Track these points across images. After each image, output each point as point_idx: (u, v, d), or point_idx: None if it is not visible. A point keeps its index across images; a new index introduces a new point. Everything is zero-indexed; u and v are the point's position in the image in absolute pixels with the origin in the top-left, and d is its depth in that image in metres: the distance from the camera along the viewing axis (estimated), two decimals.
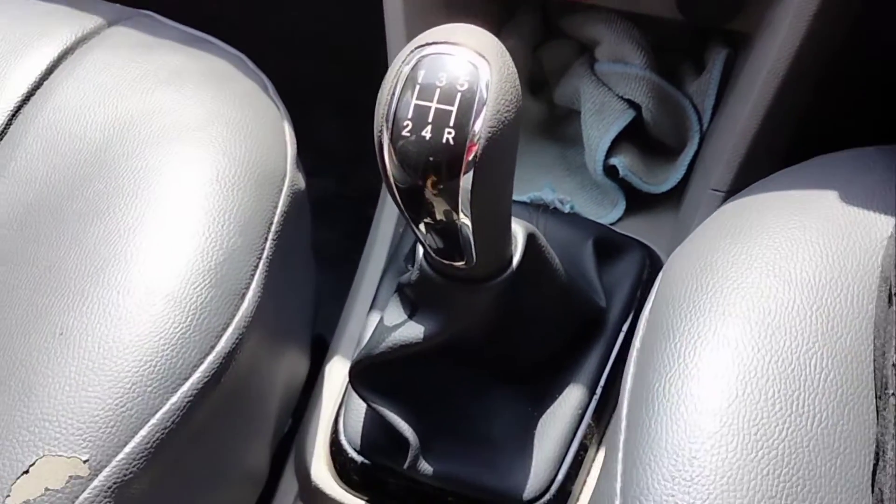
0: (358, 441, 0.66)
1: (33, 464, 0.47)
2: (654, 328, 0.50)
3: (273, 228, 0.60)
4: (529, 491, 0.62)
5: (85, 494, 0.47)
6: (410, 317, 0.58)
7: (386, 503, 0.67)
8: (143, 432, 0.49)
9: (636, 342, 0.51)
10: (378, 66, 0.79)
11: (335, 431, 0.68)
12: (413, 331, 0.57)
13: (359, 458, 0.66)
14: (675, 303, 0.50)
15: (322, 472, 0.68)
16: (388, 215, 0.78)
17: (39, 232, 0.57)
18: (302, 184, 0.67)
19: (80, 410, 0.49)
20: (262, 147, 0.64)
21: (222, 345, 0.54)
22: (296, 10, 1.02)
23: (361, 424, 0.66)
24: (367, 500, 0.67)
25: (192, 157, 0.60)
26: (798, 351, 0.45)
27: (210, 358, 0.53)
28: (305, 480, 0.69)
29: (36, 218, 0.59)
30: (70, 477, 0.47)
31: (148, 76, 0.66)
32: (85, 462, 0.48)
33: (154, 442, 0.49)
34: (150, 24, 0.73)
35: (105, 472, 0.48)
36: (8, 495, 0.47)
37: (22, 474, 0.47)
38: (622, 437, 0.47)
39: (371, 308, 0.73)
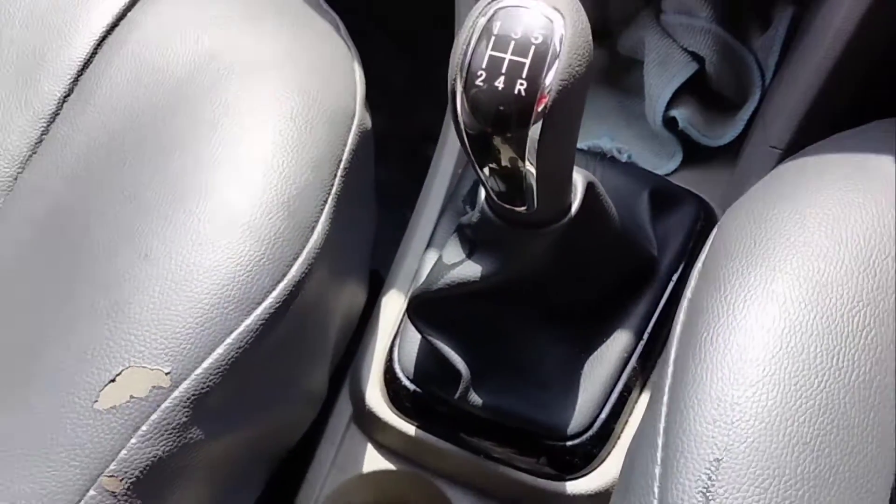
0: (411, 370, 0.70)
1: (120, 373, 0.52)
2: (706, 279, 0.52)
3: (342, 166, 0.63)
4: (573, 427, 0.65)
5: (166, 403, 0.52)
6: (469, 256, 0.61)
7: (435, 430, 0.70)
8: (219, 350, 0.53)
9: (687, 292, 0.53)
10: (443, 5, 0.80)
11: (389, 360, 0.72)
12: (470, 270, 0.60)
13: (411, 387, 0.70)
14: (728, 256, 0.52)
15: (375, 398, 0.72)
16: (448, 155, 0.81)
17: (125, 159, 0.61)
18: (369, 123, 0.69)
19: (164, 328, 0.52)
20: (334, 86, 0.66)
21: (293, 273, 0.57)
22: None
23: (415, 355, 0.70)
24: (417, 426, 0.71)
25: (268, 94, 0.63)
26: (843, 308, 0.47)
27: (281, 285, 0.56)
28: (360, 404, 0.73)
29: (121, 145, 0.62)
30: (153, 387, 0.51)
31: (225, 13, 0.69)
32: (167, 374, 0.52)
33: (229, 359, 0.53)
34: None
35: (184, 385, 0.52)
36: (96, 400, 0.51)
37: (109, 382, 0.52)
38: (668, 382, 0.49)
39: (428, 246, 0.76)
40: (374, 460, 0.74)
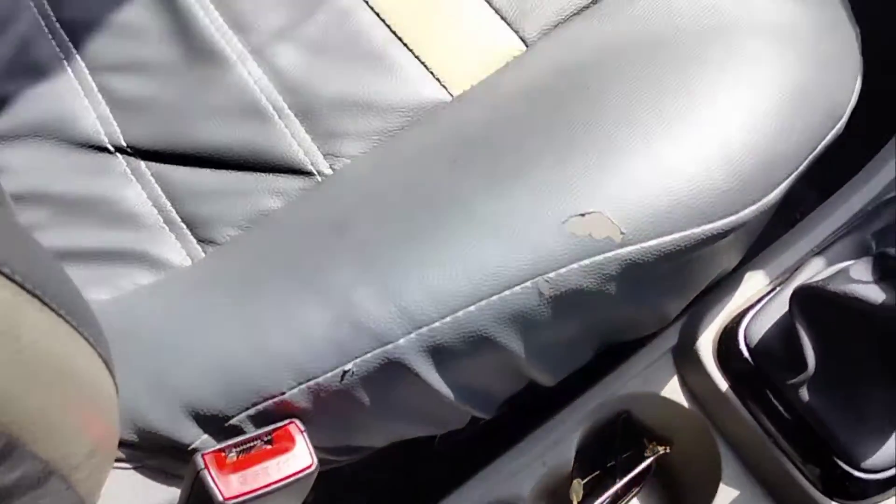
0: (754, 340, 0.77)
1: (590, 213, 0.63)
2: None
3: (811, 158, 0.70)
4: (869, 463, 0.71)
5: (608, 254, 0.63)
6: (876, 282, 0.67)
7: (741, 394, 0.78)
8: (667, 238, 0.63)
9: None
10: None
11: (736, 323, 0.79)
12: (873, 294, 0.66)
13: (745, 353, 0.78)
14: None
15: (705, 343, 0.81)
16: (885, 172, 0.83)
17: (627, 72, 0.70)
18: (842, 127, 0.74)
19: (641, 201, 0.63)
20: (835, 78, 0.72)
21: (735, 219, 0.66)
22: None
23: (765, 331, 0.77)
24: (729, 384, 0.79)
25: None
26: None
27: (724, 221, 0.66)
28: (687, 341, 0.82)
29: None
30: (608, 237, 0.63)
31: None
32: (622, 234, 0.63)
33: (671, 250, 0.64)
34: None
35: (627, 249, 0.63)
36: (565, 222, 0.63)
37: (577, 216, 0.63)
38: None
39: (819, 252, 0.81)
40: (672, 390, 0.83)
